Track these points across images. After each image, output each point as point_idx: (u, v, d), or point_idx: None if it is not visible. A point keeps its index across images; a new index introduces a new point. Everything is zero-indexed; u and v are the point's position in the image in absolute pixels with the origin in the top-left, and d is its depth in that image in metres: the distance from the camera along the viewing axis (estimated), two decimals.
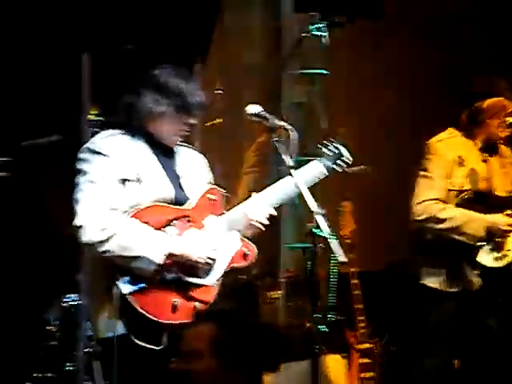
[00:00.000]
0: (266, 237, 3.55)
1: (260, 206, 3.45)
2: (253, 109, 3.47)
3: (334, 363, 4.94)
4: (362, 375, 4.98)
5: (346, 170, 3.66)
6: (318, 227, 3.23)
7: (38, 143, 4.44)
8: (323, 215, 3.22)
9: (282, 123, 3.41)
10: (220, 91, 5.19)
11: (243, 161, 5.69)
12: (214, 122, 5.13)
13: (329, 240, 3.17)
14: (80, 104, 4.13)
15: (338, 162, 3.59)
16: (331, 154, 3.59)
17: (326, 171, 3.57)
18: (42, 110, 4.93)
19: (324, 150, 3.60)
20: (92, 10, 4.67)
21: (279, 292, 5.40)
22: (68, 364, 4.34)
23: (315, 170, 3.56)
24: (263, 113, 3.46)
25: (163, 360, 3.22)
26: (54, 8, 4.80)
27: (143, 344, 3.25)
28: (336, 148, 3.60)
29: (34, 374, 4.44)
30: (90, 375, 4.05)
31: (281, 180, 3.49)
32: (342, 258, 3.17)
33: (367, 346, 4.98)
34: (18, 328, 4.79)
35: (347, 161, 3.62)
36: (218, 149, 4.96)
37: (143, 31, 4.86)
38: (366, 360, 4.98)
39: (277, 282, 5.46)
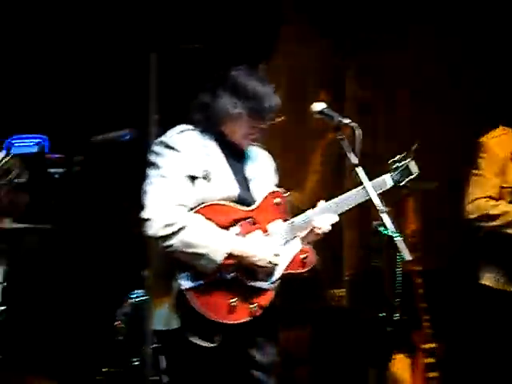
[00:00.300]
0: (329, 235, 3.56)
1: (326, 215, 3.46)
2: (318, 106, 3.49)
3: (399, 363, 4.93)
4: (427, 375, 4.96)
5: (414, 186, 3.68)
6: (383, 225, 3.24)
7: (108, 138, 4.51)
8: (387, 213, 3.23)
9: (347, 121, 3.41)
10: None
11: (308, 160, 5.70)
12: (277, 120, 5.15)
13: (394, 238, 3.17)
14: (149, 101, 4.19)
15: (407, 179, 3.60)
16: (402, 169, 3.59)
17: (392, 185, 3.57)
18: (114, 106, 5.02)
19: (396, 165, 3.59)
20: (161, 11, 4.74)
21: (343, 290, 5.41)
22: (135, 359, 4.39)
23: (384, 183, 3.56)
24: (328, 110, 3.47)
25: (215, 358, 3.27)
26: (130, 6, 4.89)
27: (196, 341, 3.28)
28: (406, 166, 3.60)
29: (104, 369, 4.50)
30: (156, 370, 4.11)
31: (350, 191, 3.49)
32: (407, 256, 3.17)
33: (432, 345, 4.96)
34: (88, 324, 4.89)
35: (415, 177, 3.62)
36: (281, 148, 4.99)
37: (210, 32, 4.91)
38: (430, 360, 4.96)
39: (341, 280, 5.46)
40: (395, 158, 3.60)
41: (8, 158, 3.08)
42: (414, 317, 4.94)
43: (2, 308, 4.22)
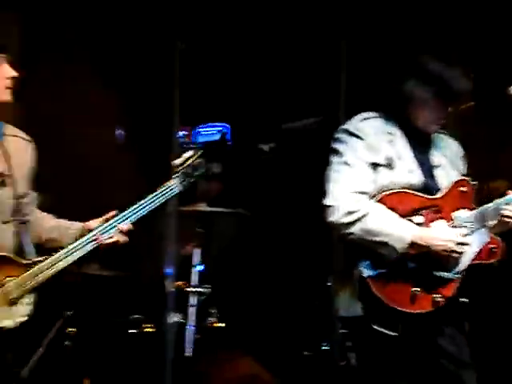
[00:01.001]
0: None
1: None
2: None
3: None
4: None
5: None
6: None
7: (299, 126, 4.57)
8: None
9: None
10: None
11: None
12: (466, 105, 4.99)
13: None
14: (339, 88, 4.21)
15: None
16: None
17: None
18: (303, 94, 5.07)
19: None
20: None
21: None
22: (324, 344, 4.44)
23: None
24: None
25: (400, 347, 3.23)
26: None
27: (379, 329, 3.25)
28: None
29: (298, 352, 4.58)
30: (345, 355, 4.14)
31: None
32: None
33: None
34: (280, 306, 4.99)
35: None
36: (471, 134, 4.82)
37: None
38: None
39: None
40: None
41: (195, 156, 3.21)
42: None
43: (208, 288, 4.39)
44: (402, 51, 3.52)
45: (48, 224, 3.11)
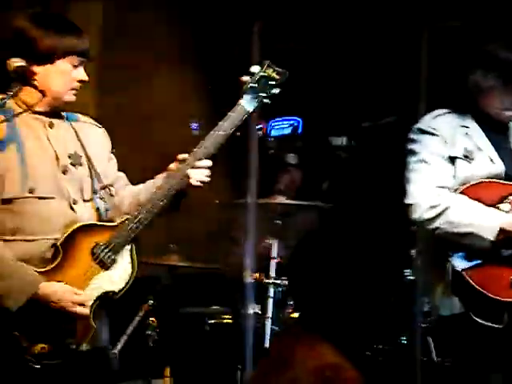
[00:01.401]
0: None
1: None
2: None
3: None
4: None
5: None
6: None
7: (377, 124, 4.56)
8: None
9: None
10: None
11: None
12: None
13: None
14: (418, 85, 4.18)
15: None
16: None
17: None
18: (382, 93, 5.05)
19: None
20: None
21: None
22: (403, 338, 4.41)
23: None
24: None
25: (504, 339, 3.20)
26: None
27: (484, 322, 3.21)
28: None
29: (374, 346, 4.57)
30: (424, 350, 4.11)
31: None
32: None
33: None
34: (359, 300, 4.98)
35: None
36: None
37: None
38: None
39: None
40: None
41: (263, 67, 2.94)
42: None
43: (285, 281, 4.41)
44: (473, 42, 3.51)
45: (133, 192, 3.05)
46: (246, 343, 3.83)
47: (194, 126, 5.39)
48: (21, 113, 2.82)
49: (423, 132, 3.37)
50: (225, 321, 4.47)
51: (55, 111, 2.93)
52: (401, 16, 4.83)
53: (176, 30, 5.45)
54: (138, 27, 5.35)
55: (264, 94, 2.95)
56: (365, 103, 5.02)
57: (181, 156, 2.95)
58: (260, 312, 4.33)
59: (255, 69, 2.97)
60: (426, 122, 3.41)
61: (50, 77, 2.85)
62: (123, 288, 2.84)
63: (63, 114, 2.97)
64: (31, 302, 2.72)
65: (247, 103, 2.94)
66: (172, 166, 2.97)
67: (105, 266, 2.82)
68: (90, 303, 2.79)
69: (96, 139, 3.03)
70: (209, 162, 2.93)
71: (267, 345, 4.25)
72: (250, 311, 4.19)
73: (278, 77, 2.96)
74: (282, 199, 4.53)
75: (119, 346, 4.10)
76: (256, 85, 2.94)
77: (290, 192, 4.76)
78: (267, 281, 4.37)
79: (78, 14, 4.67)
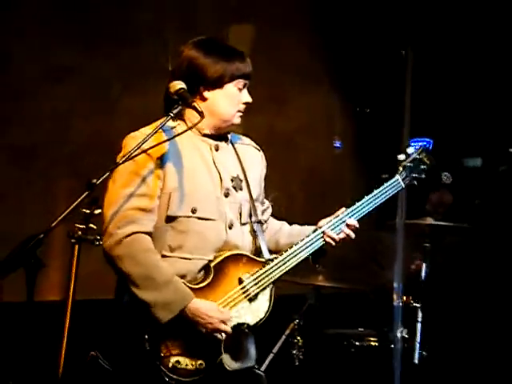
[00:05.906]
0: None
1: None
2: None
3: None
4: None
5: None
6: None
7: None
8: None
9: None
10: None
11: None
12: None
13: None
14: None
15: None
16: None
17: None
18: None
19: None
20: None
21: None
22: None
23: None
24: None
25: None
26: None
27: None
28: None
29: None
30: None
31: None
32: None
33: None
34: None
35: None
36: None
37: None
38: None
39: None
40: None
41: (419, 151, 3.22)
42: None
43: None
44: None
45: (286, 230, 3.17)
46: (394, 367, 3.77)
47: (338, 144, 5.42)
48: (182, 133, 2.86)
49: None
50: (371, 343, 4.39)
51: (221, 134, 3.00)
52: None
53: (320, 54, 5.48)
54: (284, 48, 5.42)
55: (416, 175, 3.20)
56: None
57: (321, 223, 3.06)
58: (407, 336, 4.24)
59: (410, 150, 3.23)
60: None
61: (220, 101, 2.93)
62: (256, 324, 2.90)
63: (229, 136, 3.04)
64: (180, 315, 2.77)
65: (402, 180, 3.17)
66: (322, 222, 3.07)
67: (249, 297, 2.90)
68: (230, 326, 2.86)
69: (254, 163, 3.10)
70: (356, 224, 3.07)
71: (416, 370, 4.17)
72: (398, 334, 4.12)
73: (428, 162, 3.23)
74: (431, 220, 4.43)
75: (265, 365, 4.10)
76: (411, 164, 3.21)
77: (440, 213, 4.66)
78: (416, 304, 4.28)
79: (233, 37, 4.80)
